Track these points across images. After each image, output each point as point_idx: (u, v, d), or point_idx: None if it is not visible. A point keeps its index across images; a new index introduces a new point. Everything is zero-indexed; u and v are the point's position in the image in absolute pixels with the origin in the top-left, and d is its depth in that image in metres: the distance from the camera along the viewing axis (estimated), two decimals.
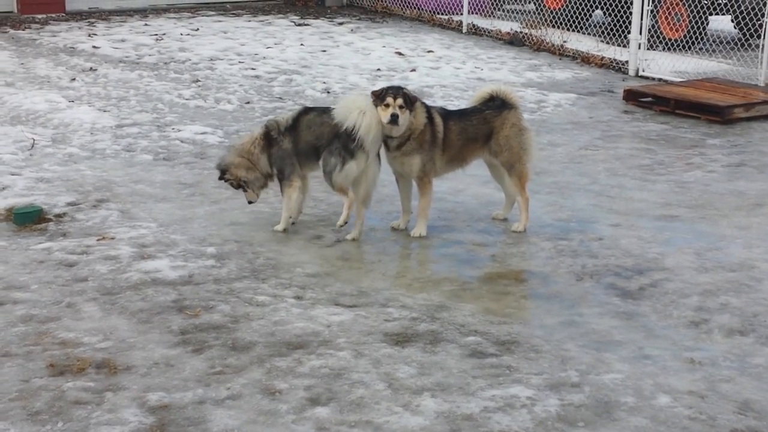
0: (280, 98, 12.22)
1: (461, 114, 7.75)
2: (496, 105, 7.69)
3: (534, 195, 8.42)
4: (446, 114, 7.65)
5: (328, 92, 12.59)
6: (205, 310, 6.06)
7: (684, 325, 6.05)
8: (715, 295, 6.47)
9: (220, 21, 17.99)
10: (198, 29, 16.90)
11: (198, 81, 12.93)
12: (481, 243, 7.45)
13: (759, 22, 13.72)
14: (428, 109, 7.47)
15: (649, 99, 12.42)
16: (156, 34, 16.20)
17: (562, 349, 5.68)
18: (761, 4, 14.12)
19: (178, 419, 4.80)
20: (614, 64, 14.90)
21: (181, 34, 16.30)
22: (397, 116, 7.12)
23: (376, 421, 4.82)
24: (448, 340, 5.75)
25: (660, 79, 13.90)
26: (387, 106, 7.17)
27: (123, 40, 15.60)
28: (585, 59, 15.33)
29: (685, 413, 4.95)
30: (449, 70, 14.19)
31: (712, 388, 5.25)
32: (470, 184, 8.92)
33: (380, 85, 12.98)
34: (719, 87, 12.64)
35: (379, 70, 14.07)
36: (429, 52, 15.54)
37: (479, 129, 7.62)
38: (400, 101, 7.16)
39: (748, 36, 15.94)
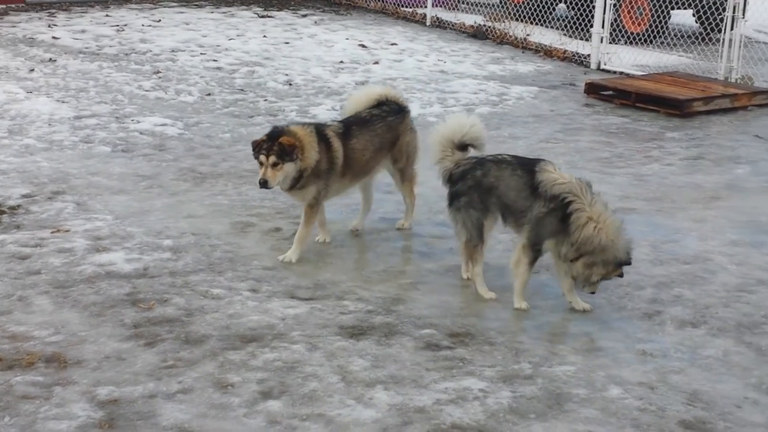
0: (242, 90, 12.16)
1: (363, 126, 7.11)
2: (395, 110, 7.31)
3: None
4: (346, 132, 6.97)
5: (290, 84, 12.54)
6: (159, 304, 6.02)
7: (637, 317, 6.09)
8: (668, 287, 6.52)
9: (182, 12, 17.88)
10: (160, 20, 16.78)
11: (159, 72, 12.84)
12: (439, 236, 7.46)
13: (720, 17, 13.81)
14: (324, 137, 6.79)
15: (610, 92, 12.48)
16: (117, 25, 16.08)
17: (516, 342, 5.70)
18: None
19: (128, 413, 4.77)
20: (576, 58, 14.96)
21: (143, 25, 16.19)
22: (266, 182, 6.49)
23: (328, 414, 4.82)
24: (402, 333, 5.75)
25: (621, 73, 13.96)
26: (261, 164, 6.54)
27: (83, 31, 15.46)
28: (547, 52, 15.37)
29: (635, 404, 4.99)
30: (412, 63, 14.18)
31: (663, 379, 5.29)
32: (429, 177, 8.89)
33: (343, 78, 12.98)
34: (679, 81, 12.72)
35: (342, 62, 14.03)
36: (392, 44, 15.53)
37: (385, 138, 7.21)
38: (273, 159, 6.47)
39: (708, 30, 16.06)
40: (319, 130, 6.82)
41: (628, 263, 6.05)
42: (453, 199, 6.35)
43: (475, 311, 6.14)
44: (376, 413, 4.84)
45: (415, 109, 11.47)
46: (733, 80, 13.05)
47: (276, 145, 6.49)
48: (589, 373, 5.33)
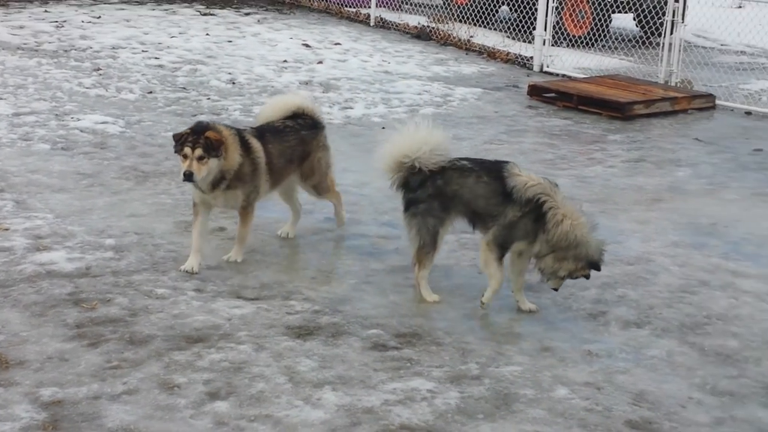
0: (184, 88, 12.04)
1: (277, 134, 6.93)
2: (308, 125, 7.12)
3: None
4: (262, 136, 6.80)
5: (234, 83, 12.44)
6: (102, 303, 5.93)
7: (583, 318, 6.14)
8: (613, 288, 6.57)
9: (122, 9, 17.65)
10: (100, 17, 16.55)
11: (99, 69, 12.66)
12: (385, 236, 7.45)
13: (660, 21, 14.01)
14: (243, 139, 6.62)
15: (553, 94, 12.59)
16: (56, 21, 15.83)
17: (463, 342, 5.71)
18: (662, 4, 14.41)
19: (72, 415, 4.68)
20: (519, 60, 15.06)
21: (83, 22, 15.95)
22: (192, 174, 6.27)
23: (276, 415, 4.78)
24: (350, 333, 5.73)
25: (564, 75, 14.09)
26: (185, 157, 6.32)
27: (22, 27, 15.19)
28: (491, 54, 15.46)
29: (581, 405, 5.02)
30: (356, 63, 14.16)
31: (609, 379, 5.33)
32: (375, 177, 8.87)
33: (286, 77, 12.92)
34: (620, 84, 12.88)
35: (285, 61, 13.97)
36: (336, 44, 15.49)
37: (295, 151, 7.01)
38: (199, 152, 6.27)
39: (649, 34, 16.29)
40: (239, 133, 6.66)
41: (598, 266, 6.03)
42: (410, 205, 6.24)
43: (422, 312, 6.13)
44: (325, 414, 4.81)
45: (359, 110, 11.50)
46: (673, 84, 13.24)
47: (202, 139, 6.32)
48: (536, 373, 5.35)
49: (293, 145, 6.99)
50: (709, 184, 9.23)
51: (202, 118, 10.54)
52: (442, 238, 6.27)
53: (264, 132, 6.89)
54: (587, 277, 6.12)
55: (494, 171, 6.14)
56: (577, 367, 5.47)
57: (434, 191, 6.16)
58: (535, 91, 12.72)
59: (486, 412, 4.90)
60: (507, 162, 6.28)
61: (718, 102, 12.58)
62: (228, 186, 6.53)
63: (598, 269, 6.07)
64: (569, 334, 5.90)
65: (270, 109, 7.26)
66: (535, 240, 6.01)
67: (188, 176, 6.33)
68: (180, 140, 6.39)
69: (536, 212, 5.96)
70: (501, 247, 6.08)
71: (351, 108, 11.60)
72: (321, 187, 7.31)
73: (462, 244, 7.28)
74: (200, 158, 6.31)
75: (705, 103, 12.48)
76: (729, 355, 5.71)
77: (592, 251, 5.98)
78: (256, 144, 6.70)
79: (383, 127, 10.87)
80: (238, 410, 4.81)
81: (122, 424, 4.63)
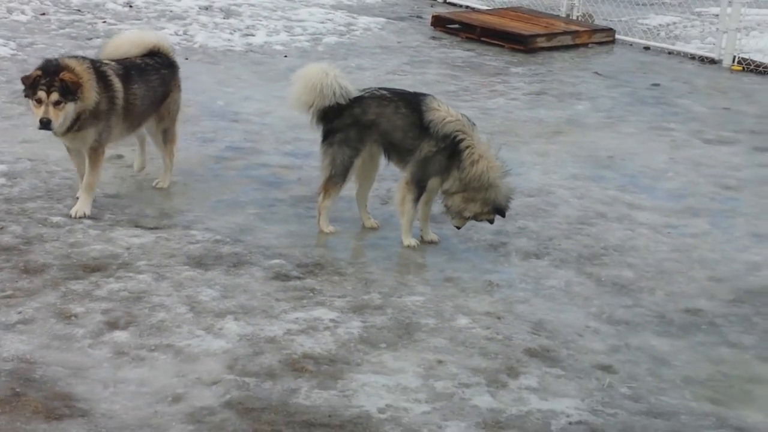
0: (79, 11, 11.64)
1: (141, 73, 6.43)
2: (166, 63, 6.66)
3: None
4: (126, 74, 6.28)
5: (131, 6, 12.08)
6: None
7: (484, 249, 6.19)
8: (513, 219, 6.63)
9: None
10: None
11: None
12: (287, 166, 7.37)
13: None
14: (102, 75, 6.12)
15: (457, 26, 12.56)
16: None
17: (366, 272, 5.71)
18: None
19: None
20: None
21: None
22: (49, 122, 5.81)
23: (177, 344, 4.72)
24: (252, 263, 5.68)
25: (467, 7, 14.05)
26: (39, 102, 5.83)
27: None
28: None
29: (482, 334, 5.08)
30: None
31: (509, 309, 5.41)
32: (277, 105, 8.78)
33: (186, 1, 12.57)
34: (523, 16, 12.91)
35: None
36: None
37: (158, 91, 6.55)
38: (55, 96, 5.79)
39: None
40: (97, 67, 6.15)
41: (503, 213, 6.04)
42: (327, 135, 6.12)
43: (324, 242, 6.11)
44: (226, 343, 4.77)
45: (261, 38, 11.32)
46: (574, 17, 13.33)
47: (57, 81, 5.80)
48: (438, 303, 5.39)
49: (156, 85, 6.53)
50: (608, 117, 9.37)
51: (98, 42, 10.24)
52: (354, 171, 6.17)
53: (128, 69, 6.35)
54: (491, 221, 6.15)
55: (413, 103, 6.07)
56: (478, 297, 5.53)
57: (351, 120, 6.08)
58: (439, 22, 12.67)
59: (388, 341, 4.93)
60: (426, 95, 6.21)
61: (617, 36, 12.73)
62: (80, 126, 6.03)
63: (503, 216, 6.10)
64: (470, 265, 5.96)
65: (123, 43, 6.63)
66: (448, 177, 5.97)
67: (45, 124, 5.83)
68: (32, 83, 5.86)
69: (452, 149, 5.93)
70: (418, 185, 6.03)
71: (253, 35, 11.40)
72: (169, 134, 6.74)
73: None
74: (57, 103, 5.82)
75: (605, 38, 12.62)
76: (624, 285, 5.85)
77: (500, 197, 5.98)
78: (116, 82, 6.18)
79: (285, 56, 10.73)
80: (138, 340, 4.73)
81: (17, 353, 4.51)
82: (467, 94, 9.78)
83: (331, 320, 5.08)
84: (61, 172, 6.74)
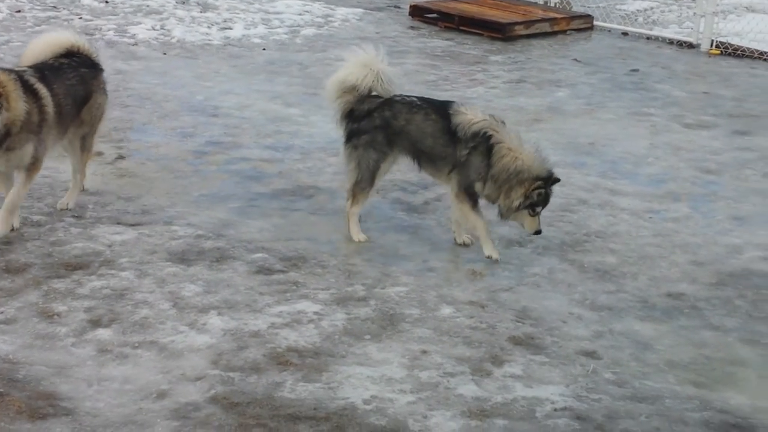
0: (55, 7, 11.56)
1: (56, 72, 5.93)
2: (86, 63, 6.19)
3: (321, 110, 8.36)
4: (44, 77, 5.76)
5: (107, 2, 12.01)
6: None
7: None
8: (495, 208, 6.62)
9: None
10: None
11: None
12: (268, 159, 7.36)
13: None
14: (27, 85, 5.60)
15: (435, 15, 12.55)
16: None
17: (349, 264, 5.71)
18: None
19: None
20: None
21: None
22: None
23: (161, 341, 4.71)
24: (234, 258, 5.67)
25: None
26: None
27: None
28: None
29: (466, 323, 5.09)
30: None
31: (492, 297, 5.42)
32: (257, 99, 8.77)
33: None
34: (501, 4, 12.91)
35: None
36: None
37: (78, 91, 6.04)
38: None
39: None
40: (19, 76, 5.61)
41: (550, 177, 5.75)
42: (352, 136, 5.98)
43: (307, 235, 6.10)
44: (210, 339, 4.76)
45: (238, 31, 11.28)
46: (552, 4, 13.34)
47: None
48: (422, 293, 5.40)
49: (75, 83, 6.02)
50: (588, 104, 9.39)
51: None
52: (381, 175, 6.05)
53: (43, 72, 5.83)
54: (546, 195, 5.80)
55: (441, 109, 5.93)
56: (461, 286, 5.54)
57: (381, 122, 5.93)
58: (417, 12, 12.66)
59: (373, 333, 4.93)
60: (453, 102, 6.07)
61: (596, 23, 12.76)
62: (13, 145, 5.52)
63: (551, 180, 5.77)
64: (453, 254, 5.96)
65: (39, 46, 6.14)
66: (486, 178, 5.80)
67: None
68: None
69: (484, 146, 5.76)
70: (468, 192, 5.86)
71: (230, 29, 11.35)
72: (87, 142, 6.25)
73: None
74: None
75: (583, 24, 12.64)
76: (607, 270, 5.87)
77: (535, 170, 5.74)
78: (41, 88, 5.68)
79: (264, 49, 10.70)
80: (121, 337, 4.72)
81: (1, 353, 4.49)
82: (447, 83, 9.78)
83: (315, 313, 5.08)
84: (40, 171, 6.69)
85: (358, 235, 6.04)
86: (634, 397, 4.51)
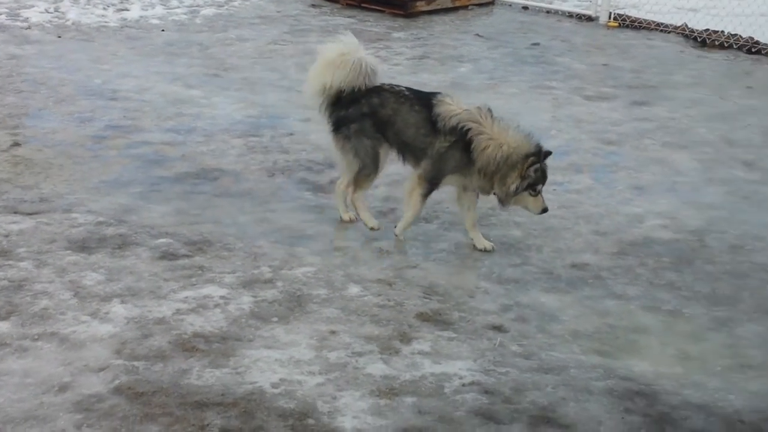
0: None
1: None
2: None
3: (223, 91, 8.29)
4: None
5: None
6: None
7: (373, 216, 6.17)
8: (400, 184, 6.60)
9: None
10: None
11: None
12: (170, 142, 7.23)
13: None
14: None
15: None
16: None
17: (255, 246, 5.65)
18: None
19: None
20: None
21: None
22: None
23: (62, 332, 4.59)
24: (137, 244, 5.56)
25: None
26: None
27: None
28: None
29: (374, 301, 5.08)
30: None
31: (399, 275, 5.42)
32: (157, 81, 8.61)
33: None
34: None
35: None
36: None
37: None
38: None
39: None
40: None
41: (540, 150, 5.57)
42: (340, 124, 5.82)
43: (211, 218, 6.01)
44: (114, 328, 4.66)
45: (136, 12, 11.08)
46: None
47: None
48: (329, 273, 5.37)
49: None
50: (490, 78, 9.44)
51: None
52: (384, 159, 5.90)
53: None
54: (543, 170, 5.61)
55: (425, 100, 5.78)
56: (368, 264, 5.53)
57: (369, 110, 5.79)
58: None
59: (280, 315, 4.88)
60: (440, 93, 5.93)
61: None
62: None
63: (542, 153, 5.60)
64: (359, 233, 5.94)
65: None
66: (471, 174, 5.66)
67: None
68: None
69: (463, 141, 5.61)
70: (430, 182, 5.75)
71: (127, 10, 11.13)
72: None
73: (250, 147, 7.17)
74: None
75: None
76: (512, 244, 5.92)
77: (523, 149, 5.58)
78: None
79: (162, 30, 10.51)
80: (20, 330, 4.59)
81: None
82: None
83: (221, 297, 5.01)
84: None
85: (370, 221, 5.95)
86: (540, 368, 4.56)
